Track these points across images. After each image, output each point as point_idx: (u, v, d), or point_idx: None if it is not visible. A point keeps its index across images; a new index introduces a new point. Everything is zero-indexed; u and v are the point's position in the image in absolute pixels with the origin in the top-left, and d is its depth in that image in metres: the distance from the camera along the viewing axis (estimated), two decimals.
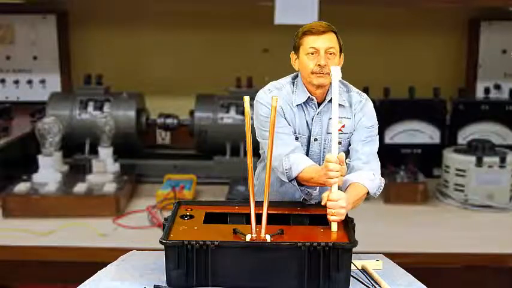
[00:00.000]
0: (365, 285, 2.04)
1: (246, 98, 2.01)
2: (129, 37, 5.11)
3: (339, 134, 2.19)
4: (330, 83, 2.19)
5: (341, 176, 2.06)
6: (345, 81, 2.32)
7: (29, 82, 5.15)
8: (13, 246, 3.57)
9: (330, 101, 2.24)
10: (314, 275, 1.93)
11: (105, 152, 4.31)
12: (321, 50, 2.15)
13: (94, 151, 4.40)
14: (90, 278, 2.10)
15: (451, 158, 4.27)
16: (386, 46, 5.04)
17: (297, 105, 2.26)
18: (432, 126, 4.66)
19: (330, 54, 2.16)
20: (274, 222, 2.07)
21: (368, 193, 2.23)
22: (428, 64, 5.08)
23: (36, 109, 4.88)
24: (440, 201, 4.29)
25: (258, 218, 1.99)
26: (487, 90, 4.82)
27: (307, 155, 2.29)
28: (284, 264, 1.93)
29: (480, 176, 4.14)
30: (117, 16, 5.06)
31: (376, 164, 2.29)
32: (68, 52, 5.17)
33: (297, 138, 2.28)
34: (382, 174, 2.32)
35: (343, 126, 2.27)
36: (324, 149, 2.30)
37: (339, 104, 2.15)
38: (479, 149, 4.24)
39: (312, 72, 2.18)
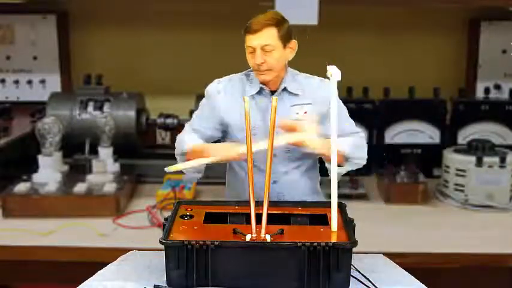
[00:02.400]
0: (365, 285, 2.04)
1: (246, 98, 2.02)
2: (129, 37, 5.11)
3: (303, 120, 2.20)
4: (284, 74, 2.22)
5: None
6: (291, 69, 2.32)
7: (29, 82, 5.14)
8: (13, 246, 3.55)
9: (284, 89, 2.27)
10: (314, 275, 1.93)
11: (105, 152, 4.31)
12: (257, 48, 2.18)
13: (94, 151, 4.39)
14: (90, 278, 2.10)
15: (451, 158, 4.27)
16: (386, 46, 5.03)
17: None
18: (432, 126, 4.66)
19: (267, 51, 2.18)
20: (274, 222, 2.08)
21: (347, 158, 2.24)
22: (428, 64, 5.07)
23: (36, 109, 4.87)
24: (440, 201, 4.28)
25: (258, 217, 2.00)
26: (487, 90, 4.82)
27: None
28: (284, 264, 1.93)
29: (480, 176, 4.13)
30: (117, 16, 5.05)
31: (350, 125, 2.31)
32: (68, 52, 5.16)
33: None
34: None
35: (305, 112, 2.27)
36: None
37: (293, 93, 2.18)
38: (479, 149, 4.24)
39: (254, 70, 2.21)
